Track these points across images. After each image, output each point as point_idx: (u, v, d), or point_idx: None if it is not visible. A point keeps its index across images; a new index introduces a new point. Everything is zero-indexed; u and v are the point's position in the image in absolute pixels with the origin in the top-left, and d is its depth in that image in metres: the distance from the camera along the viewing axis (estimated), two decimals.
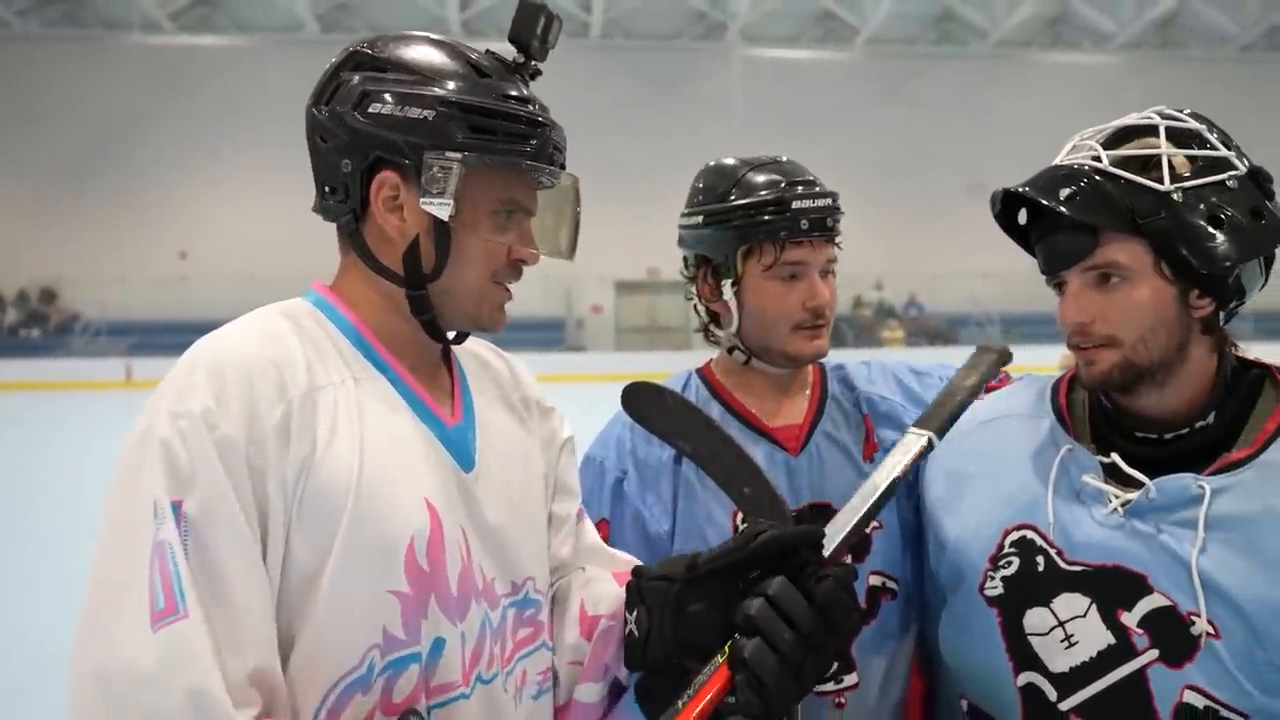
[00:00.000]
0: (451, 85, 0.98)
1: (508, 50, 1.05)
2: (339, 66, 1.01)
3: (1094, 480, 1.17)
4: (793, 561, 0.95)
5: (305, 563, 0.89)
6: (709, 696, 0.90)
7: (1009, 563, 1.21)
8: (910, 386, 1.56)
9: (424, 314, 1.02)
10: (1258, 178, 1.14)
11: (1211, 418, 1.16)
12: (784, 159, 1.52)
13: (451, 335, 1.08)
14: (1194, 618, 1.07)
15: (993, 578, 1.22)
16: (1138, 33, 19.71)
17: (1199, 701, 1.07)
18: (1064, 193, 1.12)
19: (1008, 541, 1.22)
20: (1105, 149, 1.14)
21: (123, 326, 18.40)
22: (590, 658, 1.09)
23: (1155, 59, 20.17)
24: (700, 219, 1.47)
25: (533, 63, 1.04)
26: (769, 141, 1.71)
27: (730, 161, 1.52)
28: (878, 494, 0.98)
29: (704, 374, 1.57)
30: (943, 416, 1.04)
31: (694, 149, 1.61)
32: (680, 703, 0.91)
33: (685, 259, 1.55)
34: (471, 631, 0.98)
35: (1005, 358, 1.17)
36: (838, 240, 1.47)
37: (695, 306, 1.55)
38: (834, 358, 1.58)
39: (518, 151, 0.98)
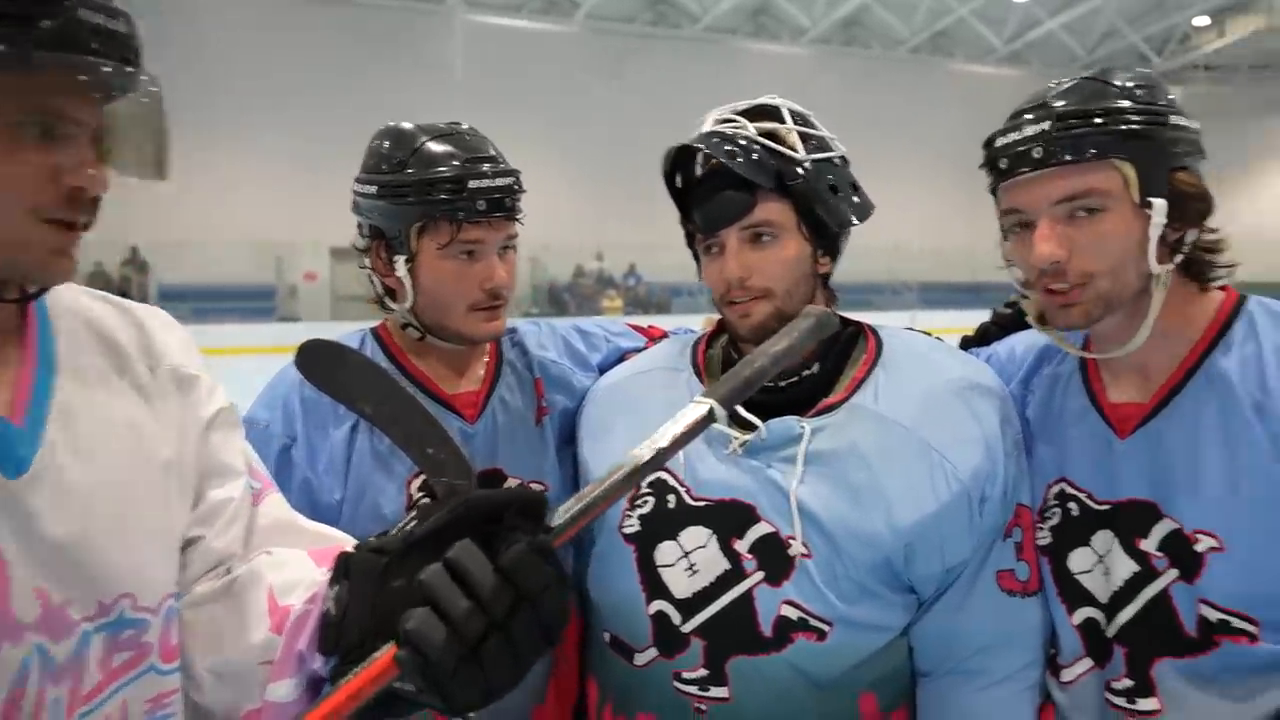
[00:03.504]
0: None
1: None
2: None
3: (718, 424, 1.30)
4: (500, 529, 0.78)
5: None
6: (369, 678, 0.75)
7: (645, 502, 1.31)
8: (577, 348, 1.63)
9: None
10: (846, 160, 1.33)
11: (816, 367, 1.33)
12: (466, 130, 1.48)
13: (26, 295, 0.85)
14: (791, 541, 1.23)
15: (630, 516, 1.32)
16: (827, 29, 21.66)
17: (794, 614, 1.22)
18: (729, 151, 1.25)
19: (645, 483, 1.32)
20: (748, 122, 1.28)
21: None
22: (282, 649, 0.92)
23: (841, 54, 22.25)
24: (375, 189, 1.42)
25: None
26: (489, 109, 1.69)
27: (409, 127, 1.46)
28: (633, 466, 0.80)
29: (380, 336, 1.53)
30: (732, 383, 0.87)
31: (413, 113, 1.54)
32: (340, 683, 0.76)
33: (360, 226, 1.48)
34: (1, 679, 0.80)
35: (824, 322, 0.93)
36: (519, 217, 1.45)
37: (370, 278, 1.49)
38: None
39: (25, 40, 0.72)
